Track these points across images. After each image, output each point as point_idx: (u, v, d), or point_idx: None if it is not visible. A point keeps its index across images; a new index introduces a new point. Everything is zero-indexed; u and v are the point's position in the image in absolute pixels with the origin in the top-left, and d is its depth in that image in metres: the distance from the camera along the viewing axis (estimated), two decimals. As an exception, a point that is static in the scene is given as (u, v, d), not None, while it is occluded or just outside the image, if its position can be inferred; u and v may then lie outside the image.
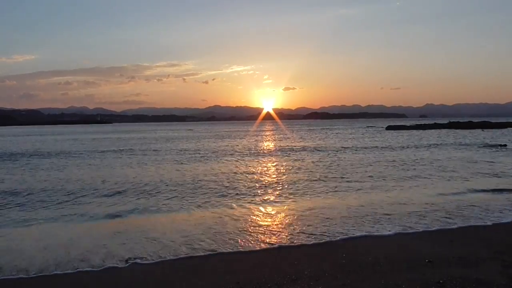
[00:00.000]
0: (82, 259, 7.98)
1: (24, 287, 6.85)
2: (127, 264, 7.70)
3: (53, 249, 8.72)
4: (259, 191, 15.45)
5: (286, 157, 29.48)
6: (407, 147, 36.27)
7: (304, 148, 37.64)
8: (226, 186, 16.53)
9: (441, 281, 6.21)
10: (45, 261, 7.93)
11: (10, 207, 13.14)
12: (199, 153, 33.70)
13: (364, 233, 9.49)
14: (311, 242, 8.90)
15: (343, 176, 19.02)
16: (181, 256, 8.15)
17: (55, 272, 7.41)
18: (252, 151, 35.71)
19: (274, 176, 19.84)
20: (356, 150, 34.24)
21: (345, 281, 6.42)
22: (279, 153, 33.60)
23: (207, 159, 28.66)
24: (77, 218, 11.56)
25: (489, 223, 10.31)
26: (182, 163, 26.38)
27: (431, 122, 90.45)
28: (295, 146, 40.72)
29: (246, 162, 26.47)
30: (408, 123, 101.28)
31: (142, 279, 6.95)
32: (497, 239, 8.75)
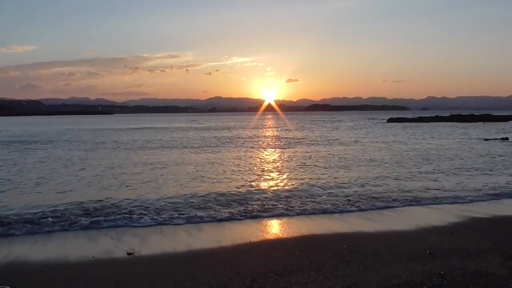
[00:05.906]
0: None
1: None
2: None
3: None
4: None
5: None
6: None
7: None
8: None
9: (441, 273, 6.21)
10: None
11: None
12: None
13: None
14: (312, 233, 8.92)
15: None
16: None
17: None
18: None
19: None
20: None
21: (345, 271, 6.42)
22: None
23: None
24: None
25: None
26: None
27: (433, 115, 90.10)
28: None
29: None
30: (409, 115, 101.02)
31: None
32: (497, 230, 8.75)
